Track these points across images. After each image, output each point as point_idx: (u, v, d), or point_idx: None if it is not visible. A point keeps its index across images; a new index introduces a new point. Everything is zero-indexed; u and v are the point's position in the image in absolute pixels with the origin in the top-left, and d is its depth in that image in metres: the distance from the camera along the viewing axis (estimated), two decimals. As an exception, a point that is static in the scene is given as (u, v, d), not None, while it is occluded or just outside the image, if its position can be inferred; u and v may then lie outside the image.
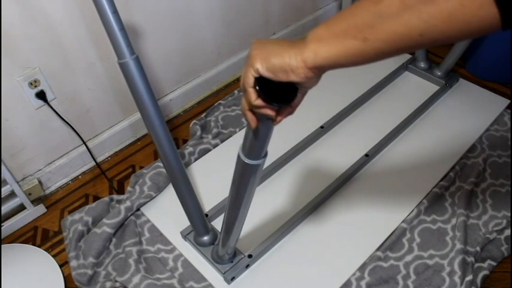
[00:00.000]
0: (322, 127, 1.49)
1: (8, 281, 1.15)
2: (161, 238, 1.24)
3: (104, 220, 1.22)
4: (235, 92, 1.69)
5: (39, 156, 1.34)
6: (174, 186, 1.09)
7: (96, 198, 1.37)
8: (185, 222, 1.18)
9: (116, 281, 1.14)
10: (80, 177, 1.45)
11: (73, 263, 1.17)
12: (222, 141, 1.50)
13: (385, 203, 1.28)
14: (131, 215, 1.27)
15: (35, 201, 1.36)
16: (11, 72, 1.15)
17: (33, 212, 1.33)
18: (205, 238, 1.17)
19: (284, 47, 0.54)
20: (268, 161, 1.35)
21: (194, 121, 1.55)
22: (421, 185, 1.32)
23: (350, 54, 0.50)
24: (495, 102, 1.56)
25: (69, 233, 1.24)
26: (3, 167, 1.19)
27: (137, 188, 1.32)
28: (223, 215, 1.22)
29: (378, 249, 1.18)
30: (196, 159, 1.44)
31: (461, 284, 1.09)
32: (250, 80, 0.57)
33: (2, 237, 1.29)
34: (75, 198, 1.39)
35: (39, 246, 1.27)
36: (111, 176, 1.44)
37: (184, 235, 1.20)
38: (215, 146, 1.48)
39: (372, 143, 1.41)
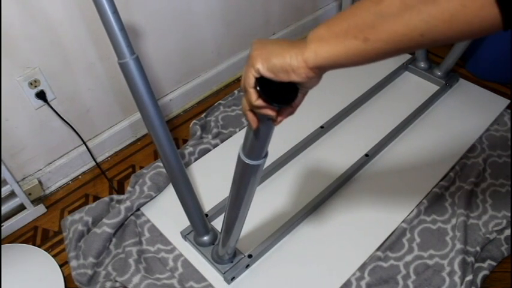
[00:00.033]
0: (322, 127, 1.49)
1: (8, 281, 1.15)
2: (161, 238, 1.24)
3: (104, 220, 1.22)
4: (235, 92, 1.69)
5: (39, 156, 1.34)
6: (174, 186, 1.09)
7: (96, 198, 1.37)
8: (185, 222, 1.18)
9: (116, 281, 1.14)
10: (80, 177, 1.45)
11: (73, 263, 1.17)
12: (222, 141, 1.50)
13: (385, 203, 1.28)
14: (131, 215, 1.27)
15: (35, 201, 1.36)
16: (11, 72, 1.15)
17: (33, 212, 1.33)
18: (205, 238, 1.17)
19: (285, 47, 0.54)
20: (268, 161, 1.35)
21: (194, 121, 1.55)
22: (421, 185, 1.32)
23: (351, 54, 0.50)
24: (495, 102, 1.56)
25: (69, 233, 1.24)
26: (3, 167, 1.19)
27: (137, 188, 1.32)
28: (223, 215, 1.22)
29: (378, 249, 1.18)
30: (196, 159, 1.44)
31: (461, 284, 1.09)
32: (251, 80, 0.57)
33: (2, 237, 1.29)
34: (75, 198, 1.39)
35: (39, 246, 1.27)
36: (111, 176, 1.44)
37: (184, 235, 1.20)
38: (215, 146, 1.48)
39: (372, 143, 1.41)
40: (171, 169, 1.03)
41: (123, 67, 0.87)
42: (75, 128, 1.33)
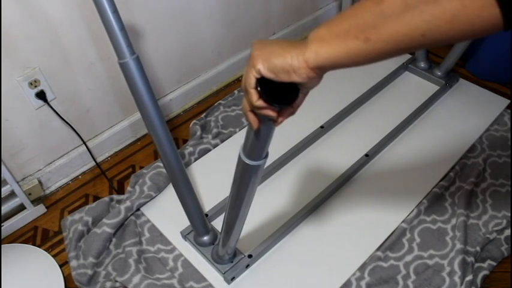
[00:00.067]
0: (322, 127, 1.49)
1: (8, 281, 1.15)
2: (161, 238, 1.24)
3: (104, 220, 1.22)
4: (235, 92, 1.68)
5: (39, 156, 1.34)
6: (174, 186, 1.09)
7: (96, 198, 1.37)
8: (185, 222, 1.18)
9: (116, 281, 1.14)
10: (80, 177, 1.45)
11: (73, 263, 1.17)
12: (222, 141, 1.50)
13: (385, 203, 1.28)
14: (131, 215, 1.27)
15: (35, 201, 1.35)
16: (11, 72, 1.15)
17: (33, 212, 1.33)
18: (205, 238, 1.17)
19: (285, 47, 0.54)
20: (269, 161, 1.34)
21: (194, 121, 1.55)
22: (421, 185, 1.32)
23: (352, 55, 0.50)
24: (495, 102, 1.56)
25: (69, 233, 1.24)
26: (3, 167, 1.19)
27: (137, 188, 1.32)
28: (223, 215, 1.22)
29: (378, 249, 1.18)
30: (196, 159, 1.44)
31: (461, 284, 1.09)
32: (252, 81, 0.57)
33: (2, 237, 1.29)
34: (75, 198, 1.39)
35: (39, 246, 1.27)
36: (111, 176, 1.44)
37: (184, 235, 1.20)
38: (215, 146, 1.48)
39: (372, 143, 1.41)
40: (171, 169, 1.03)
41: (124, 67, 0.86)
42: (75, 128, 1.33)
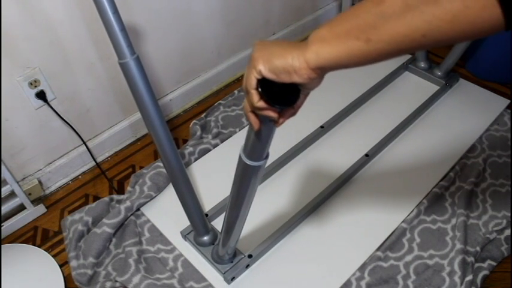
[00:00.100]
0: (322, 127, 1.49)
1: (8, 281, 1.15)
2: (161, 238, 1.24)
3: (104, 220, 1.22)
4: (235, 92, 1.68)
5: (39, 156, 1.34)
6: (174, 186, 1.09)
7: (96, 198, 1.37)
8: (185, 222, 1.18)
9: (116, 281, 1.14)
10: (80, 177, 1.45)
11: (73, 263, 1.17)
12: (222, 141, 1.50)
13: (385, 203, 1.28)
14: (131, 215, 1.27)
15: (35, 201, 1.35)
16: (11, 72, 1.15)
17: (33, 212, 1.33)
18: (205, 238, 1.17)
19: (286, 48, 0.54)
20: (269, 161, 1.34)
21: (194, 121, 1.55)
22: (421, 185, 1.32)
23: (352, 55, 0.50)
24: (495, 102, 1.56)
25: (69, 233, 1.24)
26: (3, 167, 1.19)
27: (137, 188, 1.32)
28: (223, 215, 1.22)
29: (378, 249, 1.18)
30: (196, 159, 1.44)
31: (461, 284, 1.09)
32: (253, 82, 0.57)
33: (2, 237, 1.28)
34: (75, 198, 1.39)
35: (39, 246, 1.27)
36: (111, 176, 1.44)
37: (184, 235, 1.20)
38: (215, 146, 1.48)
39: (372, 143, 1.41)
40: (171, 169, 1.03)
41: (124, 67, 0.86)
42: (75, 128, 1.33)
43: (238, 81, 1.77)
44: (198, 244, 1.18)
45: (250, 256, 1.15)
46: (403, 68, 1.70)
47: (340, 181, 1.31)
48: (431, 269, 1.14)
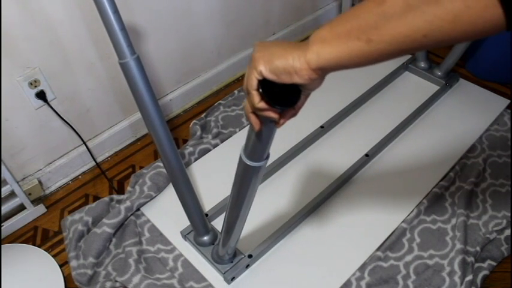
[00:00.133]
0: (322, 127, 1.49)
1: (8, 281, 1.15)
2: (161, 238, 1.24)
3: (104, 220, 1.22)
4: (235, 92, 1.68)
5: (39, 156, 1.34)
6: (174, 186, 1.09)
7: (96, 198, 1.37)
8: (185, 222, 1.18)
9: (116, 281, 1.14)
10: (80, 177, 1.45)
11: (73, 263, 1.17)
12: (222, 141, 1.50)
13: (385, 203, 1.28)
14: (131, 215, 1.27)
15: (35, 201, 1.35)
16: (11, 72, 1.15)
17: (33, 212, 1.33)
18: (205, 238, 1.17)
19: (287, 49, 0.54)
20: (269, 161, 1.34)
21: (194, 121, 1.55)
22: (421, 185, 1.32)
23: (353, 56, 0.50)
24: (495, 102, 1.56)
25: (69, 233, 1.24)
26: (3, 167, 1.19)
27: (137, 188, 1.32)
28: (223, 214, 1.23)
29: (378, 249, 1.18)
30: (196, 159, 1.44)
31: (461, 284, 1.09)
32: (254, 83, 0.57)
33: (2, 237, 1.28)
34: (75, 198, 1.39)
35: (39, 246, 1.26)
36: (111, 176, 1.44)
37: (184, 235, 1.20)
38: (215, 146, 1.48)
39: (372, 143, 1.41)
40: (171, 169, 1.03)
41: (124, 67, 0.86)
42: (75, 128, 1.33)
43: (238, 81, 1.77)
44: (198, 244, 1.18)
45: (250, 256, 1.15)
46: (403, 68, 1.70)
47: (340, 181, 1.31)
48: (431, 269, 1.14)
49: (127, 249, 1.19)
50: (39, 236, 1.30)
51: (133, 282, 1.11)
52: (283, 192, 1.33)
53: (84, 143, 1.36)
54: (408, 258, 1.17)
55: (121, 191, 1.39)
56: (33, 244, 1.28)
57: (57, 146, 1.36)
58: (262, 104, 0.58)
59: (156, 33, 1.40)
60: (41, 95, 1.23)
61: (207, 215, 1.24)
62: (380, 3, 0.46)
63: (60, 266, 1.20)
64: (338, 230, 1.23)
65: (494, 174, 1.34)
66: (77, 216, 1.27)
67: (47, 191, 1.40)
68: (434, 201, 1.28)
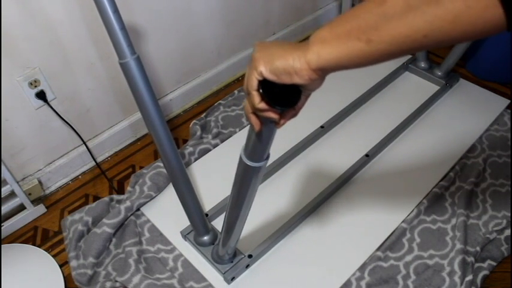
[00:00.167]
0: (322, 127, 1.49)
1: (8, 281, 1.15)
2: (161, 238, 1.24)
3: (104, 220, 1.22)
4: (235, 92, 1.68)
5: (39, 156, 1.34)
6: (174, 186, 1.09)
7: (96, 198, 1.37)
8: (185, 222, 1.18)
9: (116, 281, 1.14)
10: (80, 177, 1.45)
11: (73, 263, 1.17)
12: (222, 141, 1.50)
13: (385, 203, 1.28)
14: (131, 215, 1.27)
15: (35, 201, 1.35)
16: (11, 72, 1.15)
17: (33, 212, 1.33)
18: (205, 238, 1.17)
19: (287, 49, 0.54)
20: (269, 161, 1.35)
21: (194, 121, 1.55)
22: (421, 185, 1.32)
23: (354, 56, 0.50)
24: (495, 102, 1.56)
25: (69, 233, 1.24)
26: (3, 167, 1.19)
27: (137, 188, 1.31)
28: (223, 215, 1.23)
29: (378, 249, 1.18)
30: (196, 159, 1.44)
31: (461, 284, 1.09)
32: (254, 83, 0.57)
33: (2, 237, 1.28)
34: (75, 198, 1.39)
35: (39, 246, 1.26)
36: (111, 176, 1.44)
37: (184, 235, 1.20)
38: (215, 146, 1.48)
39: (372, 143, 1.41)
40: (171, 169, 1.03)
41: (124, 67, 0.86)
42: (75, 128, 1.33)
43: (238, 81, 1.77)
44: (198, 244, 1.18)
45: (250, 256, 1.15)
46: (403, 68, 1.70)
47: (340, 181, 1.31)
48: (431, 269, 1.14)
49: (127, 249, 1.19)
50: (39, 236, 1.30)
51: (133, 282, 1.11)
52: (283, 192, 1.33)
53: (84, 143, 1.36)
54: (408, 258, 1.17)
55: (121, 191, 1.39)
56: (33, 244, 1.28)
57: (57, 146, 1.36)
58: (262, 105, 0.58)
59: (156, 33, 1.40)
60: (41, 95, 1.23)
61: (207, 215, 1.24)
62: (380, 4, 0.46)
63: (60, 266, 1.20)
64: (338, 230, 1.23)
65: (494, 174, 1.34)
66: (77, 216, 1.27)
67: (47, 191, 1.40)
68: (434, 201, 1.28)
